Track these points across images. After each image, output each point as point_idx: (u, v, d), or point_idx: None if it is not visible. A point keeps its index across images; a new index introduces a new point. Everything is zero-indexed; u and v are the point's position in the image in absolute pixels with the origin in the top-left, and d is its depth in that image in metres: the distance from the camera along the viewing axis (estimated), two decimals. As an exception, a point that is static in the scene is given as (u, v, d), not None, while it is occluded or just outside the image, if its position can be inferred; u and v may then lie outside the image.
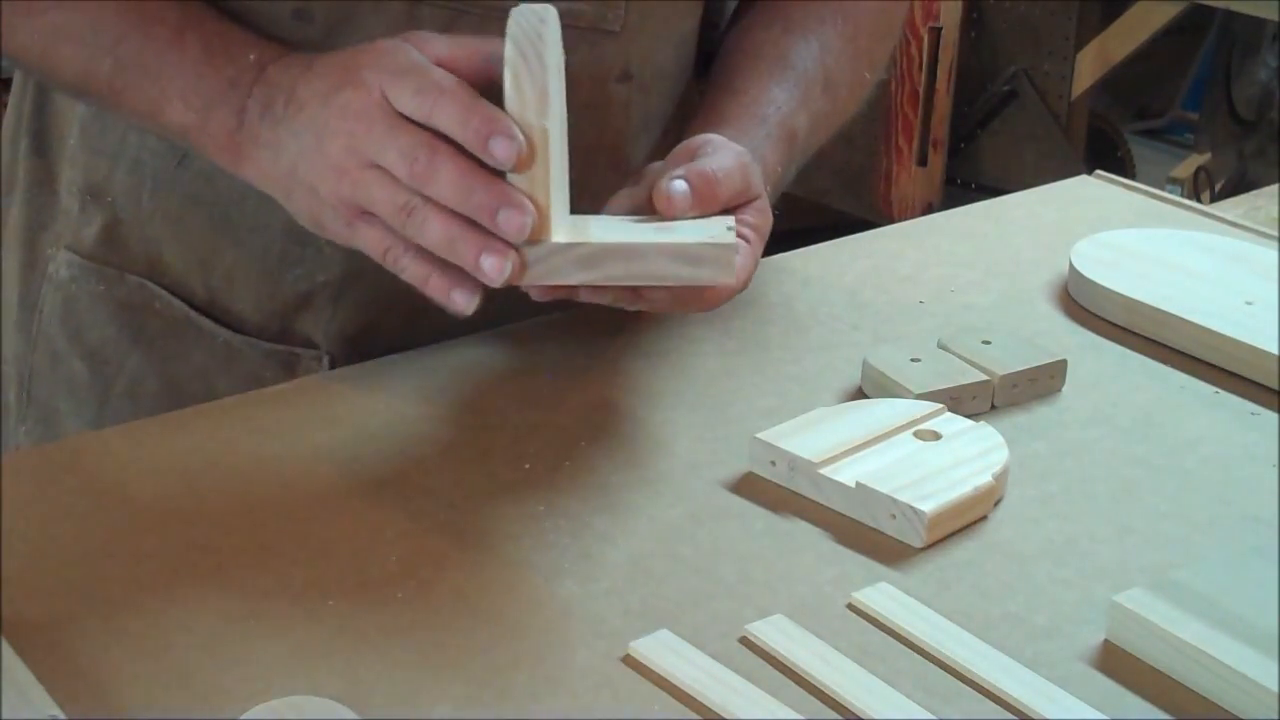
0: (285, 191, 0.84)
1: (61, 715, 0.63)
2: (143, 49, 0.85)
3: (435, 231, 0.77)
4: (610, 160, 1.00)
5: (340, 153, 0.79)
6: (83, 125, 0.99)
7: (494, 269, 0.76)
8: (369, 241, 0.81)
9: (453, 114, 0.77)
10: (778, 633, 0.71)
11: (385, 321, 0.97)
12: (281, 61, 0.84)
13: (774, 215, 0.89)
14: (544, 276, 0.75)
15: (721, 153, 0.84)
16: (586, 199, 1.01)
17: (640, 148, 1.02)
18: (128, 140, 0.98)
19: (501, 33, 0.79)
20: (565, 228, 0.78)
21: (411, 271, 0.80)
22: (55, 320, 1.02)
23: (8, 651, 0.67)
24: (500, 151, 0.76)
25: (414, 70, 0.79)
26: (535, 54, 0.74)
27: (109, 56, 0.85)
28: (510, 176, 0.76)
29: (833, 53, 1.00)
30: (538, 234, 0.76)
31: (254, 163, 0.84)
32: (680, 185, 0.81)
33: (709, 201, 0.81)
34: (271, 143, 0.83)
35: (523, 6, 0.76)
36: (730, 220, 0.81)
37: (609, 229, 0.80)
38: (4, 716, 0.63)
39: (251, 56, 0.84)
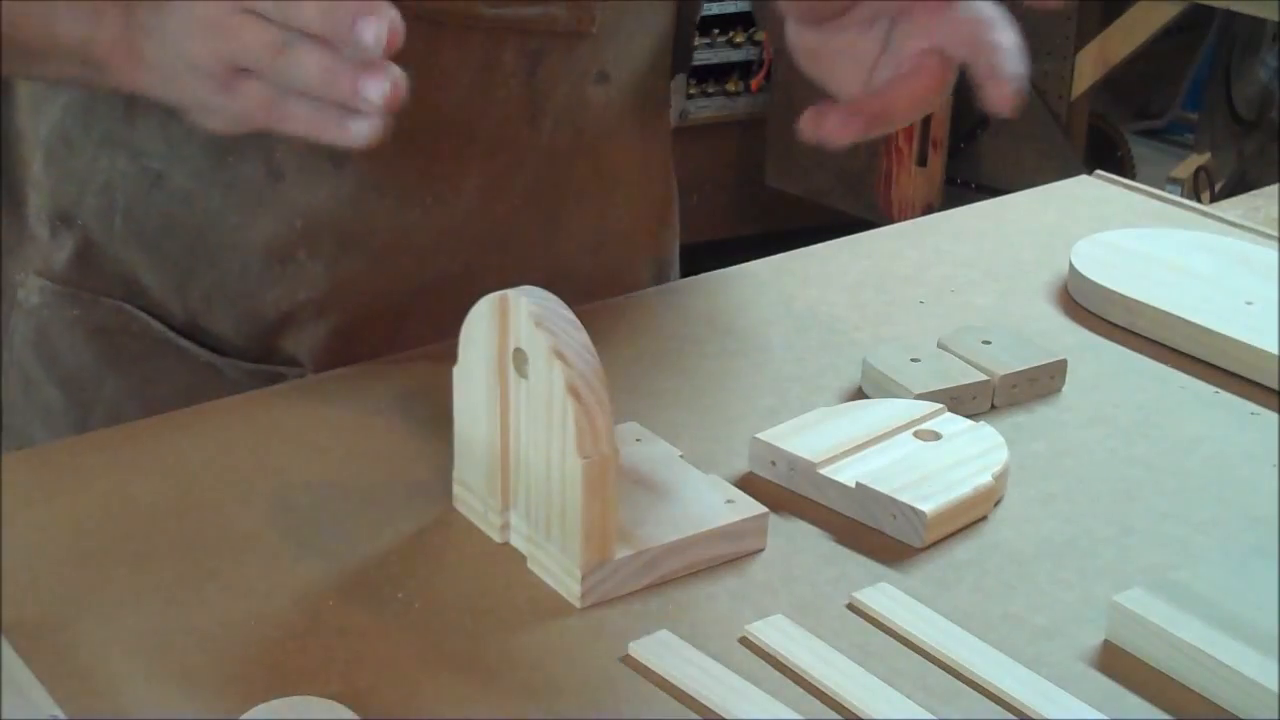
0: (171, 79, 0.80)
1: (62, 715, 0.63)
2: None
3: (310, 65, 0.73)
4: (589, 162, 1.00)
5: (210, 7, 0.75)
6: (47, 150, 0.97)
7: (375, 90, 0.72)
8: (250, 99, 0.76)
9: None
10: (778, 633, 0.71)
11: (369, 336, 0.96)
12: None
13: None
14: (611, 592, 0.74)
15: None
16: (569, 201, 1.01)
17: (618, 148, 1.02)
18: (97, 164, 0.96)
19: (481, 47, 0.79)
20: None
21: (297, 118, 0.76)
22: (28, 348, 1.00)
23: (8, 652, 0.67)
24: (369, 35, 0.71)
25: None
26: (599, 388, 0.71)
27: None
28: (583, 505, 0.72)
29: None
30: (604, 555, 0.74)
31: (144, 60, 0.80)
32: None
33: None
34: (156, 27, 0.79)
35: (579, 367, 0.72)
36: (730, 491, 0.80)
37: (632, 510, 0.77)
38: (5, 716, 0.63)
39: None
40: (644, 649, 0.70)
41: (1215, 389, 0.95)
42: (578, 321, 0.72)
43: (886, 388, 0.91)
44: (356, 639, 0.70)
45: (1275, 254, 1.07)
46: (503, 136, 0.94)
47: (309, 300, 0.95)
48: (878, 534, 0.79)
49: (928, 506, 0.78)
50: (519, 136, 0.95)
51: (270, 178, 0.93)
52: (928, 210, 2.90)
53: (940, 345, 0.94)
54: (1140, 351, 0.99)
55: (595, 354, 0.72)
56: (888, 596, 0.74)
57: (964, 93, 0.80)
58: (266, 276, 0.95)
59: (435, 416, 0.87)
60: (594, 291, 0.99)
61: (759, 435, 0.84)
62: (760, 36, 3.34)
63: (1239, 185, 3.05)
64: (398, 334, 0.94)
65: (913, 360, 0.92)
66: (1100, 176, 1.26)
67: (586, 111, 0.98)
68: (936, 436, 0.85)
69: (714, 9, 3.29)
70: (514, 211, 0.98)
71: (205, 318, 0.97)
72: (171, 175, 0.94)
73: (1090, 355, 0.98)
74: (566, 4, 0.93)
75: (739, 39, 3.36)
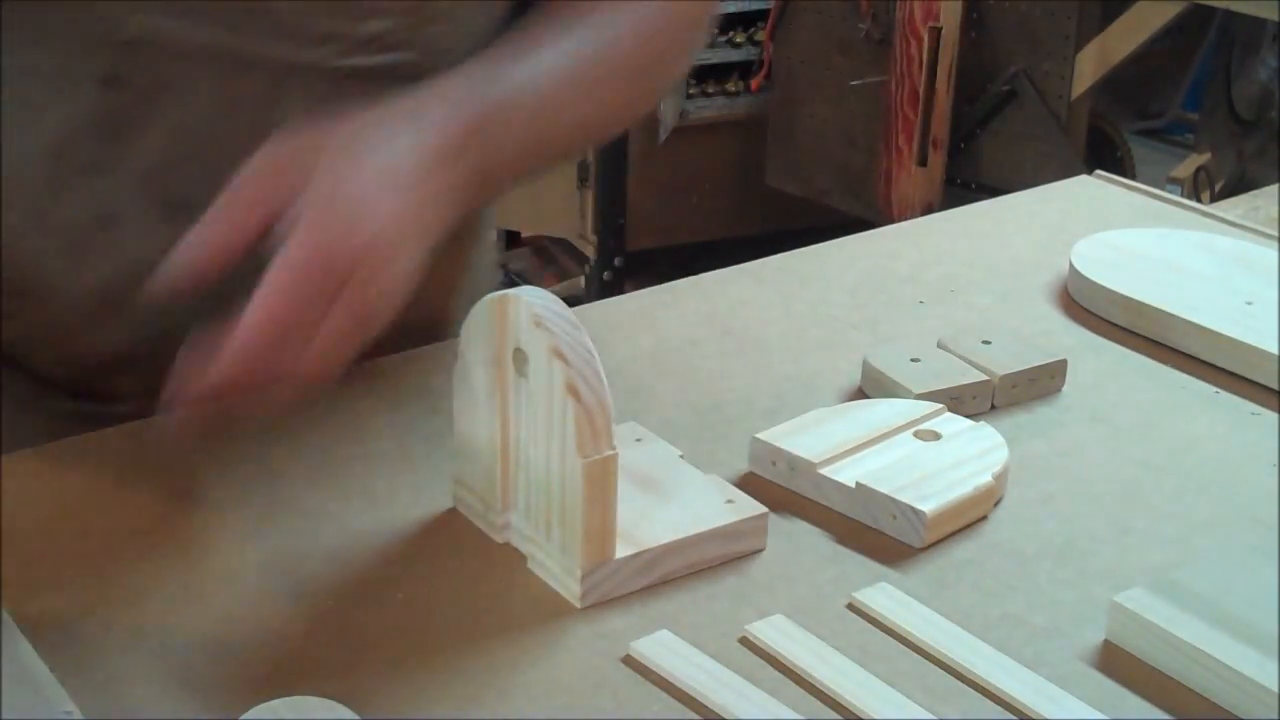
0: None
1: (77, 712, 0.63)
2: None
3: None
4: None
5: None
6: None
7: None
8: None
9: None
10: (778, 633, 0.71)
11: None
12: None
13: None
14: (611, 592, 0.74)
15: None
16: None
17: None
18: None
19: (329, 97, 0.78)
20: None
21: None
22: None
23: (26, 648, 0.67)
24: None
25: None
26: (600, 388, 0.71)
27: None
28: (583, 505, 0.72)
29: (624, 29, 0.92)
30: (603, 556, 0.74)
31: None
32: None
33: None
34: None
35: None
36: (730, 491, 0.80)
37: (632, 510, 0.77)
38: (21, 714, 0.63)
39: None
40: (644, 649, 0.70)
41: (1215, 389, 0.95)
42: (578, 321, 0.72)
43: (886, 388, 0.91)
44: (356, 639, 0.70)
45: (1275, 254, 1.07)
46: None
47: (136, 346, 0.90)
48: (878, 534, 0.79)
49: (928, 506, 0.78)
50: None
51: (100, 225, 0.88)
52: (928, 210, 2.90)
53: (940, 345, 0.94)
54: (1140, 351, 0.99)
55: (595, 354, 0.72)
56: (888, 596, 0.74)
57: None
58: (94, 321, 0.90)
59: (435, 416, 0.87)
60: (409, 341, 0.93)
61: (759, 435, 0.84)
62: (760, 36, 3.34)
63: (1239, 185, 3.04)
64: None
65: (913, 360, 0.92)
66: (1100, 176, 1.26)
67: None
68: (936, 436, 0.85)
69: (714, 9, 3.29)
70: None
71: (26, 356, 0.93)
72: (2, 214, 0.89)
73: (1090, 355, 0.98)
74: (415, 51, 0.88)
75: (739, 39, 3.36)
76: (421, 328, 0.94)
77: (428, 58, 0.88)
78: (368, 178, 0.74)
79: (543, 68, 0.86)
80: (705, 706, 0.67)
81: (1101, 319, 1.02)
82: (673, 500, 0.78)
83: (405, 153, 0.76)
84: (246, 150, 0.75)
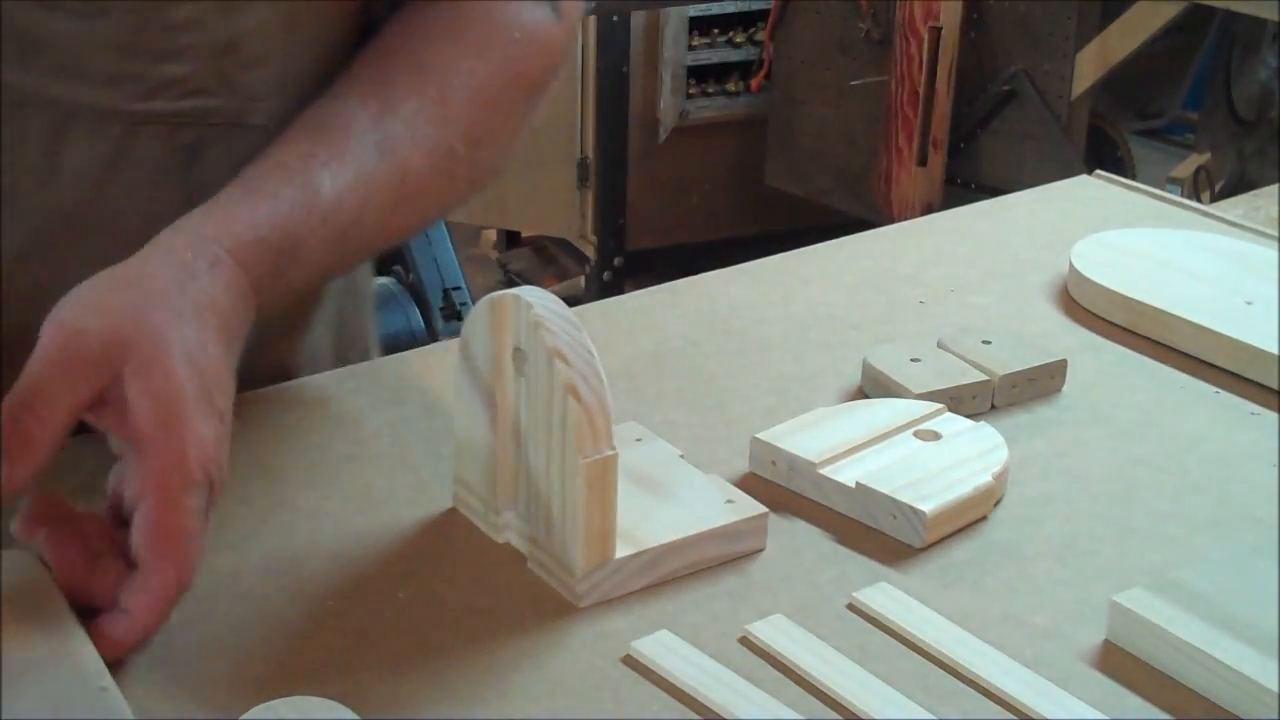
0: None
1: (112, 684, 0.63)
2: None
3: None
4: None
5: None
6: None
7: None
8: None
9: None
10: (778, 633, 0.71)
11: None
12: None
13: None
14: (611, 592, 0.74)
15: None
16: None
17: None
18: None
19: (120, 142, 0.77)
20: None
21: None
22: None
23: (71, 620, 0.67)
24: None
25: None
26: (599, 388, 0.71)
27: None
28: (583, 505, 0.72)
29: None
30: (603, 556, 0.73)
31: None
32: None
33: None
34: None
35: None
36: (730, 491, 0.80)
37: (632, 510, 0.77)
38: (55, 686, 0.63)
39: None
40: (644, 649, 0.70)
41: (1215, 389, 0.95)
42: (577, 321, 0.72)
43: (886, 388, 0.91)
44: (356, 639, 0.70)
45: (1275, 254, 1.07)
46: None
47: None
48: (878, 534, 0.79)
49: (928, 506, 0.78)
50: None
51: None
52: (928, 210, 2.90)
53: (940, 345, 0.94)
54: (1140, 351, 0.99)
55: (595, 354, 0.72)
56: (888, 596, 0.74)
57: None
58: None
59: (435, 416, 0.87)
60: (256, 383, 0.90)
61: (759, 435, 0.84)
62: (760, 36, 3.34)
63: (1239, 185, 3.04)
64: None
65: (913, 360, 0.92)
66: (1100, 176, 1.26)
67: None
68: (936, 436, 0.85)
69: (714, 9, 3.30)
70: None
71: None
72: None
73: (1090, 355, 0.98)
74: (226, 96, 0.83)
75: (739, 39, 3.36)
76: (266, 378, 0.91)
77: (240, 104, 0.84)
78: (188, 390, 0.69)
79: (343, 183, 0.79)
80: (705, 706, 0.67)
81: (1101, 319, 1.02)
82: (673, 500, 0.78)
83: (204, 346, 0.71)
84: (31, 193, 0.72)
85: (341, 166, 0.79)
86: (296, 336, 0.97)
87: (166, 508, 0.67)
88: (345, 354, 1.02)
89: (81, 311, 0.70)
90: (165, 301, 0.71)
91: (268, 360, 0.84)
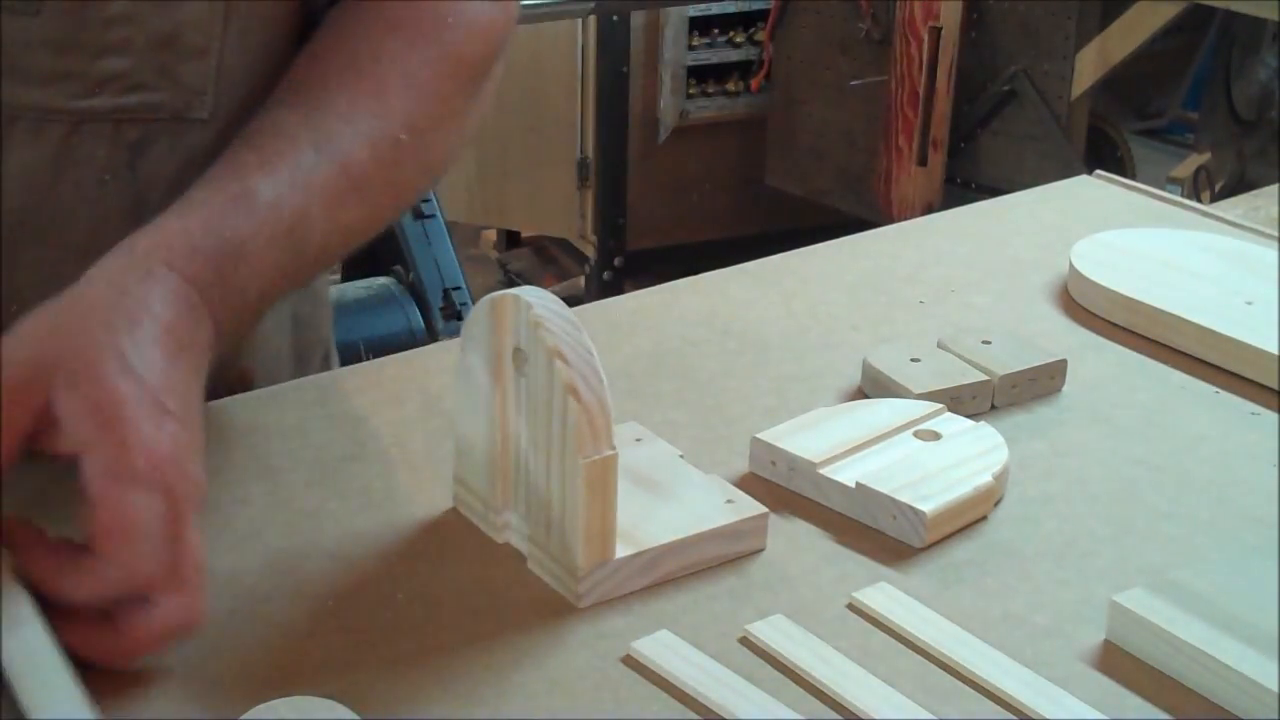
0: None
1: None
2: None
3: None
4: None
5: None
6: None
7: None
8: None
9: None
10: (778, 633, 0.71)
11: None
12: None
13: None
14: (611, 592, 0.74)
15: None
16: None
17: None
18: None
19: (62, 142, 0.76)
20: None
21: None
22: None
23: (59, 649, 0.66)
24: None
25: None
26: (599, 388, 0.71)
27: None
28: (583, 505, 0.72)
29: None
30: (603, 556, 0.73)
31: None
32: None
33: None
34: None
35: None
36: (730, 491, 0.79)
37: (632, 510, 0.77)
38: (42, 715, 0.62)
39: None
40: (644, 649, 0.70)
41: (1215, 389, 0.95)
42: (577, 321, 0.72)
43: (886, 387, 0.91)
44: (356, 639, 0.70)
45: (1275, 254, 1.07)
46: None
47: None
48: (878, 534, 0.79)
49: (928, 506, 0.78)
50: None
51: None
52: (928, 210, 2.90)
53: (940, 345, 0.94)
54: (1140, 351, 0.99)
55: (595, 354, 0.72)
56: (888, 596, 0.74)
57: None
58: None
59: (435, 416, 0.87)
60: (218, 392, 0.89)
61: (759, 435, 0.84)
62: (760, 36, 3.35)
63: (1239, 185, 3.05)
64: None
65: (913, 360, 0.92)
66: (1100, 176, 1.26)
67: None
68: (936, 436, 0.85)
69: (714, 9, 3.30)
70: None
71: None
72: None
73: (1090, 355, 0.98)
74: (167, 90, 0.83)
75: (739, 39, 3.36)
76: (220, 381, 0.88)
77: (182, 98, 0.83)
78: (124, 393, 0.68)
79: (280, 183, 0.78)
80: (705, 706, 0.67)
81: (1101, 319, 1.02)
82: (673, 500, 0.78)
83: (143, 354, 0.70)
84: None
85: (276, 168, 0.78)
86: (248, 336, 0.94)
87: (109, 504, 0.65)
88: (305, 354, 1.01)
89: (10, 344, 0.69)
90: (94, 318, 0.70)
91: (219, 363, 0.83)
